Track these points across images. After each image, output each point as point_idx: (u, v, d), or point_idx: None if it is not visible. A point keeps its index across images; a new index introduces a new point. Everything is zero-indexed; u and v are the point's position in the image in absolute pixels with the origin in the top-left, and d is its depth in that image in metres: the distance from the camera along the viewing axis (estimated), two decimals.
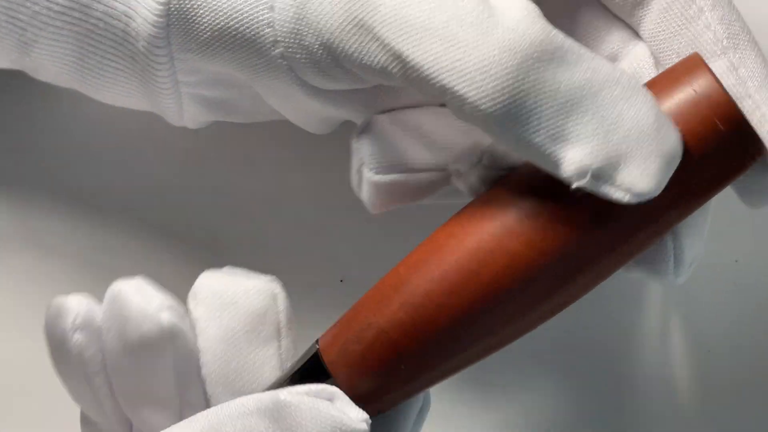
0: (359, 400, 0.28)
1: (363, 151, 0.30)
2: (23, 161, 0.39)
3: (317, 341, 0.29)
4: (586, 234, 0.27)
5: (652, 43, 0.31)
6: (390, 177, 0.30)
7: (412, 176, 0.30)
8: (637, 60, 0.31)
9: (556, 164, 0.26)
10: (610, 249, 0.27)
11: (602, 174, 0.26)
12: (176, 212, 0.38)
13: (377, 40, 0.28)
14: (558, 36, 0.27)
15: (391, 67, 0.28)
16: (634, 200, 0.26)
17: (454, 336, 0.28)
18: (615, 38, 0.32)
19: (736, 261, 0.38)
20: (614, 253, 0.27)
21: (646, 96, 0.27)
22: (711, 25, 0.30)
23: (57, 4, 0.31)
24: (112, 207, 0.38)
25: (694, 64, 0.28)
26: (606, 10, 0.32)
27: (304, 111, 0.32)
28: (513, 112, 0.26)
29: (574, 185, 0.26)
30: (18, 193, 0.39)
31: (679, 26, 0.31)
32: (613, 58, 0.32)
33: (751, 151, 0.27)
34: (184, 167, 0.39)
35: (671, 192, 0.26)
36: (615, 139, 0.26)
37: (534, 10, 0.27)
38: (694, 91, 0.27)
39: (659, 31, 0.31)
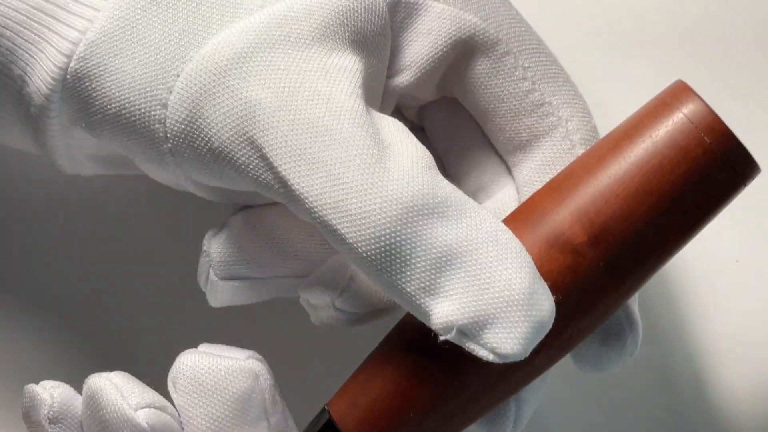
0: None
1: (212, 254, 0.31)
2: None
3: (327, 406, 0.29)
4: (447, 384, 0.28)
5: (523, 187, 0.32)
6: (234, 283, 0.31)
7: (255, 283, 0.31)
8: (504, 202, 0.32)
9: (426, 315, 0.27)
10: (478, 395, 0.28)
11: (469, 332, 0.26)
12: (169, 215, 0.38)
13: (265, 160, 0.28)
14: (443, 190, 0.27)
15: (276, 187, 0.28)
16: (498, 360, 0.26)
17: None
18: (488, 171, 0.32)
19: (737, 261, 0.38)
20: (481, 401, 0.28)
21: (524, 259, 0.27)
22: None
23: None
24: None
25: (679, 89, 0.28)
26: (486, 140, 0.33)
27: (181, 187, 0.32)
28: (388, 259, 0.26)
29: (441, 338, 0.26)
30: None
31: None
32: (481, 190, 0.32)
33: (739, 167, 0.27)
34: None
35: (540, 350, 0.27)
36: (485, 299, 0.26)
37: (424, 159, 0.27)
38: (681, 112, 0.28)
39: (533, 181, 0.31)
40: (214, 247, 0.31)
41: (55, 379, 0.30)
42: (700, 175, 0.27)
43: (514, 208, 0.30)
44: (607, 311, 0.28)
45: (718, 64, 0.39)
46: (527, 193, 0.31)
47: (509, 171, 0.32)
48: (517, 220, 0.28)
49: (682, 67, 0.39)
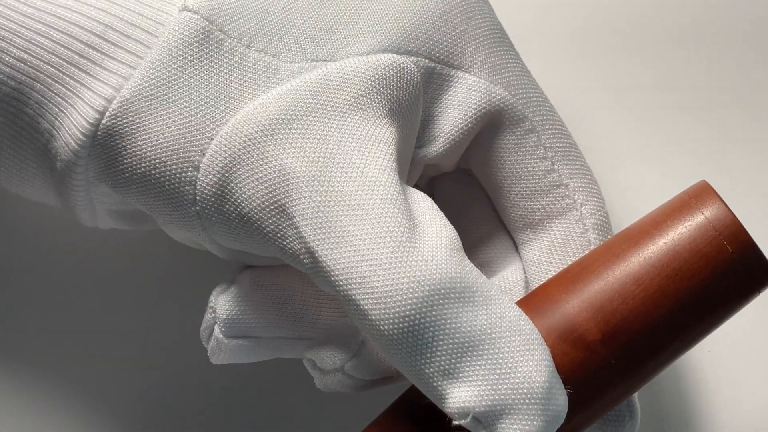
0: None
1: (219, 311, 0.30)
2: None
3: None
4: None
5: (530, 266, 0.31)
6: (239, 342, 0.31)
7: (264, 341, 0.31)
8: (510, 280, 0.31)
9: (441, 399, 0.26)
10: None
11: (484, 419, 0.26)
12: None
13: (294, 229, 0.27)
14: (470, 275, 0.27)
15: (302, 257, 0.28)
16: None
17: None
18: (497, 246, 0.32)
19: None
20: None
21: (544, 353, 0.27)
22: None
23: None
24: None
25: (703, 191, 0.28)
26: (496, 215, 0.32)
27: (201, 246, 0.32)
28: (410, 340, 0.26)
29: (455, 423, 0.26)
30: None
31: (565, 263, 0.31)
32: (487, 265, 0.32)
33: (758, 276, 0.28)
34: None
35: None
36: (503, 389, 0.26)
37: (454, 241, 0.27)
38: (704, 215, 0.28)
39: (542, 261, 0.31)
40: (221, 305, 0.31)
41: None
42: (719, 283, 0.28)
43: (520, 286, 0.31)
44: (613, 404, 0.29)
45: (717, 65, 0.39)
46: (534, 272, 0.31)
47: (516, 249, 0.32)
48: (530, 308, 0.28)
49: (680, 68, 0.39)
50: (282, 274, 0.31)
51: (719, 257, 0.27)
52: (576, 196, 0.31)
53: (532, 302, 0.28)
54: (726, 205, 0.28)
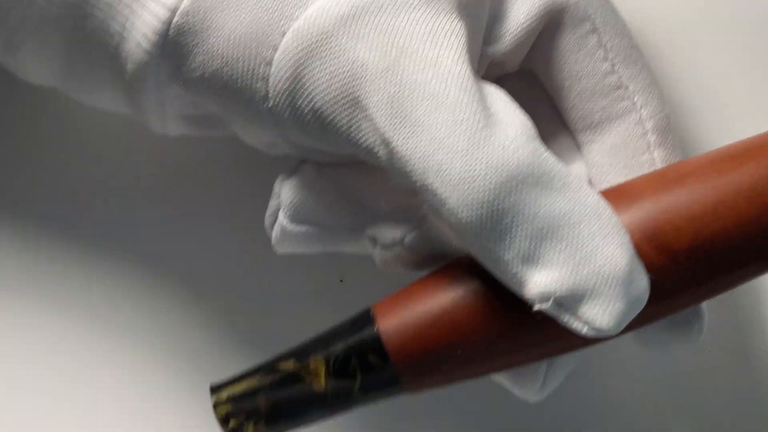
0: (405, 374, 0.28)
1: (283, 196, 0.31)
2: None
3: (372, 307, 0.29)
4: (506, 330, 0.28)
5: (591, 168, 0.32)
6: (303, 228, 0.31)
7: (325, 231, 0.31)
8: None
9: (522, 284, 0.27)
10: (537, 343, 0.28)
11: (565, 303, 0.27)
12: (168, 209, 0.38)
13: (369, 121, 0.28)
14: (548, 161, 0.27)
15: (377, 149, 0.28)
16: (591, 334, 0.27)
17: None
18: (561, 146, 0.33)
19: None
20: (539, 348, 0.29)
21: (624, 237, 0.27)
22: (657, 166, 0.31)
23: (50, 12, 0.30)
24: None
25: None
26: (559, 116, 0.33)
27: (274, 146, 0.32)
28: (489, 226, 0.27)
29: (536, 308, 0.27)
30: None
31: (626, 166, 0.31)
32: None
33: None
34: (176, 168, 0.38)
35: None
36: (585, 272, 0.26)
37: (529, 130, 0.28)
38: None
39: (603, 163, 0.32)
40: (286, 190, 0.31)
41: None
42: None
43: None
44: (681, 309, 0.29)
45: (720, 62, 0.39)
46: (595, 174, 0.31)
47: (578, 148, 0.33)
48: (618, 201, 0.28)
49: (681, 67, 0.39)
50: (345, 165, 0.31)
51: None
52: (635, 99, 0.31)
53: (621, 196, 0.28)
54: None
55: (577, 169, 0.32)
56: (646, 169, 0.31)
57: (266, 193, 0.32)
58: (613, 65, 0.31)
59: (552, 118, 0.33)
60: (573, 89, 0.32)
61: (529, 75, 0.33)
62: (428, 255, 0.30)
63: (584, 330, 0.26)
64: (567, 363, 0.31)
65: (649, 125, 0.31)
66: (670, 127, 0.32)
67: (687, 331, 0.30)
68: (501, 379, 0.30)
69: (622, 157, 0.31)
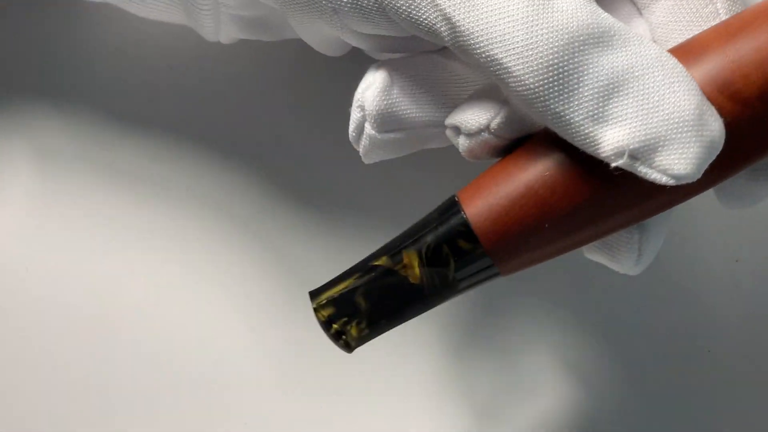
0: (497, 255, 0.28)
1: (367, 107, 0.30)
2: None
3: (456, 195, 0.29)
4: (590, 198, 0.28)
5: (658, 29, 0.32)
6: (392, 135, 0.31)
7: (414, 132, 0.31)
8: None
9: (595, 144, 0.27)
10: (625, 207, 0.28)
11: (640, 155, 0.26)
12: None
13: None
14: (607, 20, 0.27)
15: (438, 27, 0.28)
16: (671, 182, 0.26)
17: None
18: (621, 11, 0.33)
19: (736, 261, 0.38)
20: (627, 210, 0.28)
21: (690, 82, 0.27)
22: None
23: None
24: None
25: None
26: None
27: (331, 42, 0.32)
28: (556, 89, 0.27)
29: (612, 165, 0.27)
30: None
31: (690, 21, 0.31)
32: None
33: None
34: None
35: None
36: (655, 121, 0.26)
37: None
38: None
39: (666, 22, 0.31)
40: (369, 100, 0.30)
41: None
42: None
43: None
44: (758, 157, 0.28)
45: None
46: (659, 35, 0.31)
47: (639, 11, 0.32)
48: (686, 57, 0.28)
49: None
50: (419, 61, 0.31)
51: None
52: None
53: (687, 52, 0.28)
54: None
55: (642, 29, 0.32)
56: (710, 22, 0.30)
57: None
58: None
59: None
60: None
61: None
62: (514, 137, 0.30)
63: (663, 179, 0.26)
64: (659, 230, 0.30)
65: None
66: None
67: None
68: (598, 256, 0.30)
69: (685, 12, 0.31)
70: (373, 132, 0.30)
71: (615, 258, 0.30)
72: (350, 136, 0.31)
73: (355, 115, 0.31)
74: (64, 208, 0.39)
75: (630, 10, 0.33)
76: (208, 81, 0.39)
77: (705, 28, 0.30)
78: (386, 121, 0.30)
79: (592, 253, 0.30)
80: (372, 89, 0.30)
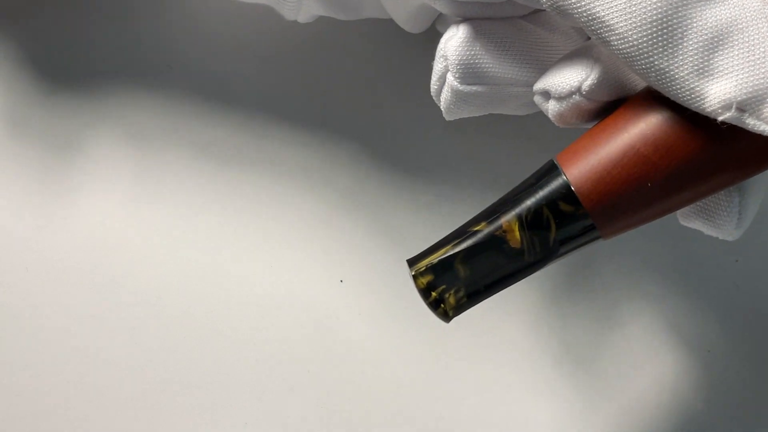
0: (599, 216, 0.28)
1: (450, 56, 0.30)
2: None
3: (555, 158, 0.29)
4: (691, 155, 0.27)
5: None
6: (474, 88, 0.30)
7: (495, 89, 0.30)
8: None
9: (701, 98, 0.26)
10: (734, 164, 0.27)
11: (748, 107, 0.26)
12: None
13: None
14: None
15: None
16: None
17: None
18: None
19: (736, 261, 0.38)
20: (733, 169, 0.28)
21: None
22: None
23: None
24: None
25: None
26: None
27: (418, 13, 0.32)
28: (660, 44, 0.26)
29: (719, 119, 0.26)
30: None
31: None
32: None
33: None
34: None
35: None
36: (762, 72, 0.26)
37: None
38: None
39: None
40: (452, 49, 0.30)
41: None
42: None
43: None
44: None
45: None
46: None
47: None
48: None
49: None
50: (502, 24, 0.31)
51: None
52: None
53: None
54: None
55: None
56: None
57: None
58: None
59: None
60: None
61: None
62: (607, 100, 0.29)
63: None
64: (758, 192, 0.30)
65: None
66: None
67: None
68: (696, 222, 0.30)
69: None
70: (456, 83, 0.30)
71: (714, 222, 0.30)
72: (431, 90, 0.31)
73: (437, 66, 0.30)
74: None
75: None
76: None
77: None
78: (469, 72, 0.30)
79: (688, 220, 0.30)
80: (455, 39, 0.30)
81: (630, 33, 0.27)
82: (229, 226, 0.38)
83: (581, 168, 0.28)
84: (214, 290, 0.38)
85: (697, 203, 0.29)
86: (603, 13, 0.27)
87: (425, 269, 0.28)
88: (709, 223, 0.30)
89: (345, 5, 0.33)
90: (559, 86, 0.29)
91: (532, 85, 0.30)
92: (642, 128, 0.28)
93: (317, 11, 0.34)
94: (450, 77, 0.30)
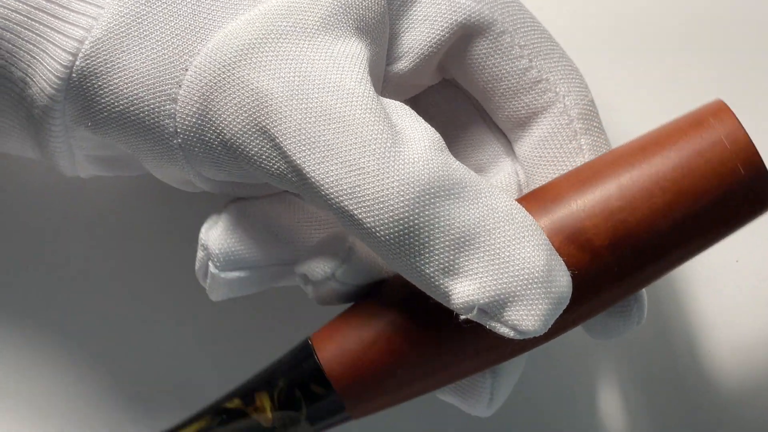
0: (349, 400, 0.28)
1: (210, 246, 0.31)
2: None
3: (310, 338, 0.29)
4: (441, 347, 0.28)
5: (524, 163, 0.32)
6: (235, 274, 0.31)
7: (258, 271, 0.31)
8: (503, 182, 0.32)
9: (446, 296, 0.27)
10: (472, 355, 0.29)
11: (489, 310, 0.27)
12: (165, 213, 0.38)
13: (278, 149, 0.28)
14: (458, 171, 0.27)
15: (289, 176, 0.28)
16: (519, 337, 0.27)
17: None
18: (486, 151, 0.33)
19: (737, 261, 0.38)
20: (476, 359, 0.29)
21: (540, 237, 0.27)
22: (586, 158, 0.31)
23: None
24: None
25: (720, 110, 0.28)
26: (483, 121, 0.33)
27: (187, 183, 0.32)
28: (407, 242, 0.27)
29: (462, 318, 0.27)
30: None
31: (555, 156, 0.31)
32: (480, 170, 0.33)
33: (763, 200, 0.28)
34: None
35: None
36: (504, 278, 0.26)
37: (437, 142, 0.28)
38: (720, 135, 0.28)
39: (532, 156, 0.32)
40: (212, 239, 0.31)
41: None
42: (728, 203, 0.28)
43: (512, 190, 0.31)
44: (613, 302, 0.29)
45: (720, 64, 0.39)
46: (528, 168, 0.32)
47: (507, 151, 0.33)
48: (538, 204, 0.28)
49: (685, 67, 0.39)
50: (267, 201, 0.31)
51: (731, 179, 0.28)
52: (558, 89, 0.31)
53: (541, 199, 0.29)
54: (742, 126, 0.28)
55: (506, 175, 0.32)
56: (573, 157, 0.31)
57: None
58: (530, 60, 0.31)
59: (477, 124, 0.33)
60: (496, 91, 0.32)
61: (452, 85, 0.33)
62: (361, 284, 0.30)
63: (511, 334, 0.27)
64: (512, 373, 0.31)
65: (574, 113, 0.31)
66: (594, 112, 0.32)
67: (626, 315, 0.30)
68: (450, 398, 0.31)
69: (551, 148, 0.31)
70: (216, 271, 0.30)
71: (467, 401, 0.30)
72: (197, 273, 0.31)
73: (199, 253, 0.31)
74: None
75: (496, 150, 0.33)
76: None
77: (569, 163, 0.31)
78: (229, 260, 0.30)
79: (444, 394, 0.30)
80: (215, 230, 0.31)
81: (377, 229, 0.27)
82: None
83: (334, 351, 0.29)
84: None
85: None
86: (351, 208, 0.27)
87: None
88: (462, 401, 0.31)
89: (123, 165, 0.32)
90: (315, 272, 0.29)
91: (294, 264, 0.31)
92: (393, 315, 0.28)
93: (95, 172, 0.33)
94: (211, 265, 0.31)
